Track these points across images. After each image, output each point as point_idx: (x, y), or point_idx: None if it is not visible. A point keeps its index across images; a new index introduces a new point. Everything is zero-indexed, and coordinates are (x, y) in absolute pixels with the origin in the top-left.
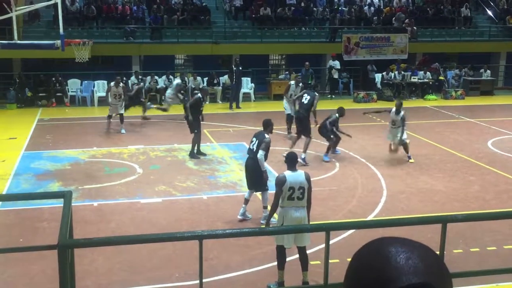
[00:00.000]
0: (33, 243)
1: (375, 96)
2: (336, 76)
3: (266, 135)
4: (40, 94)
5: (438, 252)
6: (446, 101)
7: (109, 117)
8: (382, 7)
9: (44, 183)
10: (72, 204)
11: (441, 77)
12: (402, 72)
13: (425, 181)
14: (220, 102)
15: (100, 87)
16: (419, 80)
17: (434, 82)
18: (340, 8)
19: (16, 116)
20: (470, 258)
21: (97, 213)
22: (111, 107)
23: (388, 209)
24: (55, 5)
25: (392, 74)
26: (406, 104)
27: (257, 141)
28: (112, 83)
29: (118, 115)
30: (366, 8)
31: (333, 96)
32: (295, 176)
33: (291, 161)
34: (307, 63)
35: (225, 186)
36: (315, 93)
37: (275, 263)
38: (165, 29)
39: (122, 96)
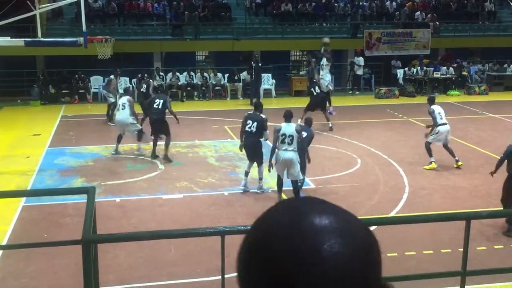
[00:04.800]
0: (57, 238)
1: (397, 92)
2: (359, 72)
3: (262, 115)
4: (63, 91)
5: (461, 249)
6: (469, 96)
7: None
8: (404, 2)
9: (68, 179)
10: (95, 200)
11: (464, 73)
12: (425, 68)
13: (447, 178)
14: (241, 98)
15: (122, 84)
16: (442, 76)
17: (457, 78)
18: (361, 4)
19: (40, 113)
20: (494, 256)
21: (119, 209)
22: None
23: (410, 206)
24: (78, 2)
25: (414, 70)
26: None
27: (255, 122)
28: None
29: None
30: (387, 3)
31: (357, 93)
32: (288, 127)
33: (287, 116)
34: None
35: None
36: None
37: None
38: (186, 25)
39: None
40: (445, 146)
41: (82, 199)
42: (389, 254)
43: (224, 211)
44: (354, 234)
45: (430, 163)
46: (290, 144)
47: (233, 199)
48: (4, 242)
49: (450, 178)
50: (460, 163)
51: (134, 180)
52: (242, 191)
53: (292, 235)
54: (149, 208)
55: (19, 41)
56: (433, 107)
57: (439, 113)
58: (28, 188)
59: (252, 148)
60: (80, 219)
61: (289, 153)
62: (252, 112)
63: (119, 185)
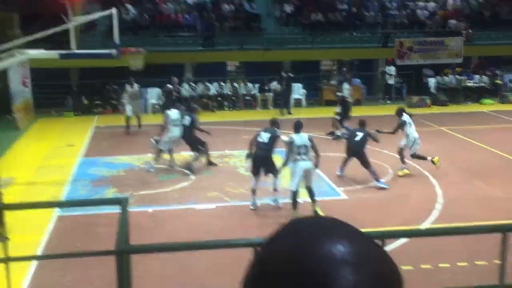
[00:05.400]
0: (90, 249)
1: (428, 101)
2: (391, 81)
3: (277, 130)
4: (96, 102)
5: (499, 261)
6: (503, 105)
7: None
8: (435, 10)
9: (100, 189)
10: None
11: (497, 81)
12: (457, 76)
13: (482, 188)
14: (271, 108)
15: (153, 94)
16: (475, 84)
17: (490, 86)
18: (392, 13)
19: (74, 124)
20: None
21: (151, 219)
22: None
23: (444, 217)
24: (111, 15)
25: (447, 79)
26: (462, 108)
27: (268, 133)
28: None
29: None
30: (419, 11)
31: (388, 102)
32: (300, 138)
33: (297, 127)
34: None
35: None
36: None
37: None
38: (217, 36)
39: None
40: (408, 153)
41: (115, 209)
42: (422, 266)
43: (254, 221)
44: (371, 267)
45: (433, 159)
46: (305, 154)
47: (263, 209)
48: (39, 252)
49: (486, 188)
50: (406, 171)
51: (166, 190)
52: (252, 209)
53: (299, 265)
54: (181, 218)
55: (54, 54)
56: (404, 118)
57: (409, 123)
58: (62, 198)
59: (265, 160)
60: (113, 229)
61: (307, 163)
62: (268, 127)
63: (151, 195)
